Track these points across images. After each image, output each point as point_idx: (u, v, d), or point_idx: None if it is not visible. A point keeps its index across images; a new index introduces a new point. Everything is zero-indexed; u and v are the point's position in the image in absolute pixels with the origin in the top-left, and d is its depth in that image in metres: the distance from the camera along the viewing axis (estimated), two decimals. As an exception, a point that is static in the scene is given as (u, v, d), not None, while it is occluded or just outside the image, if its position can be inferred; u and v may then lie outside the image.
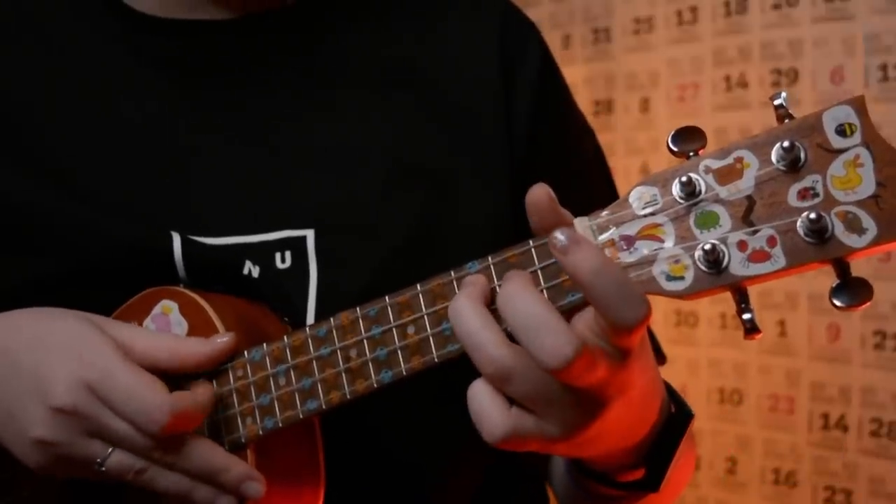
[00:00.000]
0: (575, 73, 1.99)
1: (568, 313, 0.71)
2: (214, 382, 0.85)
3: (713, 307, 1.72)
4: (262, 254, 0.91)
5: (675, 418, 0.87)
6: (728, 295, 0.69)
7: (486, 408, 0.70)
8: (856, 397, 1.55)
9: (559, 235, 0.66)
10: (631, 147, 1.94)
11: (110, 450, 0.80)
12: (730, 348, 1.70)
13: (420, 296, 0.77)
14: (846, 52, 1.62)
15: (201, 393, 0.82)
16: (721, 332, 1.72)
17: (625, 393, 0.72)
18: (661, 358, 1.04)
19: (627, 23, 1.94)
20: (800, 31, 1.68)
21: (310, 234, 0.91)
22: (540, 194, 0.72)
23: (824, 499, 1.59)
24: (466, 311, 0.69)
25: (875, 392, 1.53)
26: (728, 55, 1.79)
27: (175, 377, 0.84)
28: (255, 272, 0.91)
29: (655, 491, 0.86)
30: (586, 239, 0.67)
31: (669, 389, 0.89)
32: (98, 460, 0.80)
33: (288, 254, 0.91)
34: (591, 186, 1.04)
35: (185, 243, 0.89)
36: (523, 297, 0.67)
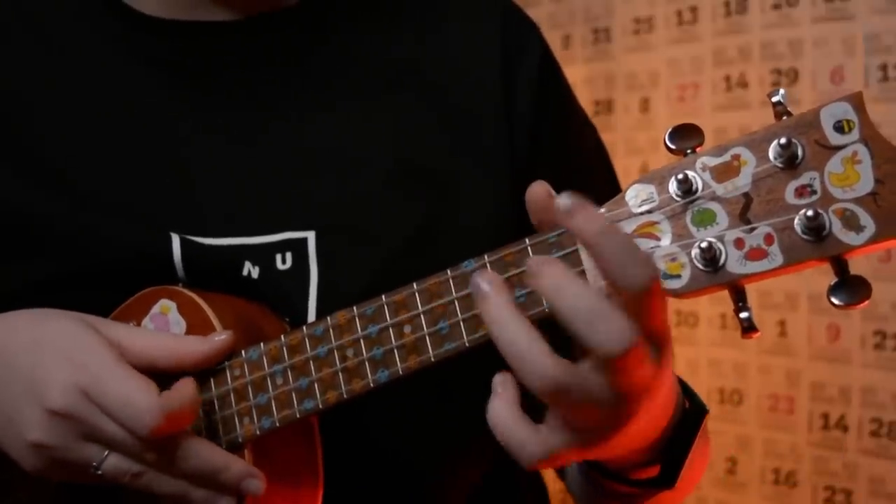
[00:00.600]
0: (575, 73, 1.99)
1: None
2: (212, 382, 0.85)
3: (713, 307, 1.72)
4: (263, 255, 0.91)
5: (690, 414, 0.86)
6: (729, 295, 0.69)
7: (518, 434, 0.68)
8: (856, 397, 1.55)
9: (564, 199, 0.65)
10: (631, 147, 1.94)
11: (106, 453, 0.79)
12: (730, 348, 1.70)
13: (416, 294, 0.77)
14: (846, 52, 1.61)
15: (184, 387, 0.81)
16: (721, 332, 1.72)
17: (653, 399, 0.71)
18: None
19: (627, 23, 1.94)
20: (800, 31, 1.68)
21: (311, 236, 0.91)
22: (539, 191, 0.72)
23: (824, 499, 1.58)
24: (512, 323, 0.66)
25: (875, 392, 1.52)
26: (728, 55, 1.79)
27: (174, 377, 0.84)
28: (255, 273, 0.91)
29: (671, 488, 0.85)
30: (590, 203, 0.65)
31: (682, 385, 0.89)
32: (94, 464, 0.80)
33: (289, 255, 0.91)
34: (593, 182, 1.04)
35: (185, 244, 0.89)
36: (575, 286, 0.64)
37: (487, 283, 0.67)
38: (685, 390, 0.89)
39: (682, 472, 0.85)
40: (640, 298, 0.65)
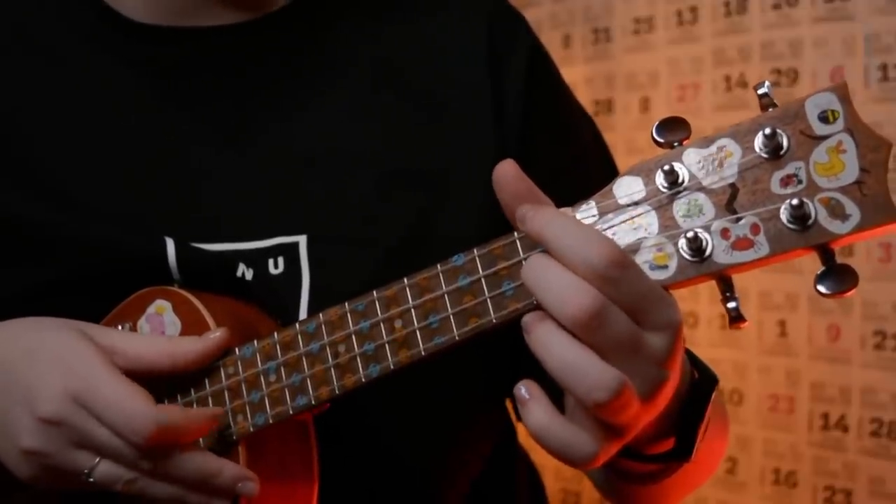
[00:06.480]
0: (575, 73, 1.99)
1: None
2: (206, 380, 0.85)
3: (713, 307, 1.72)
4: (256, 259, 0.91)
5: (700, 384, 0.86)
6: (716, 285, 0.69)
7: (569, 438, 0.69)
8: (856, 397, 1.54)
9: (521, 209, 0.69)
10: (631, 147, 1.93)
11: (97, 460, 0.80)
12: (730, 348, 1.69)
13: (407, 289, 0.77)
14: (846, 52, 1.61)
15: (197, 410, 0.82)
16: (721, 333, 1.71)
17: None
18: None
19: (627, 23, 1.94)
20: (800, 31, 1.68)
21: (302, 241, 0.92)
22: (506, 168, 0.73)
23: (824, 499, 1.58)
24: (561, 344, 0.68)
25: (875, 392, 1.52)
26: (728, 55, 1.78)
27: (174, 378, 0.84)
28: (249, 275, 0.91)
29: (687, 459, 0.85)
30: (545, 207, 0.69)
31: (692, 357, 0.89)
32: (85, 471, 0.80)
33: (281, 259, 0.92)
34: (590, 174, 1.04)
35: (180, 248, 0.90)
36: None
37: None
38: (694, 362, 0.88)
39: (697, 442, 0.84)
40: (608, 274, 0.65)
